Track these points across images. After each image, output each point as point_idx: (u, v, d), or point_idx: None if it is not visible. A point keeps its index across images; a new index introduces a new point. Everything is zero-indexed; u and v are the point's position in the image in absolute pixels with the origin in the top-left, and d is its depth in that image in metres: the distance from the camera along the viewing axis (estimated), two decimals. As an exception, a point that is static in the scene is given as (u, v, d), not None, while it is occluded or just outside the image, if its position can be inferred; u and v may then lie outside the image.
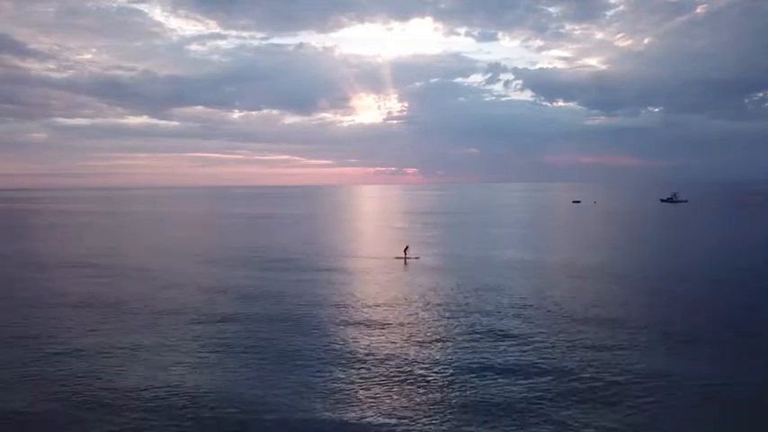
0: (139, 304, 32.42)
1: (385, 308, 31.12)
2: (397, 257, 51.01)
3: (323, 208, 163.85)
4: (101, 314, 30.33)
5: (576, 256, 50.06)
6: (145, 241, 69.03)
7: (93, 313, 30.69)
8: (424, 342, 24.53)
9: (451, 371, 20.73)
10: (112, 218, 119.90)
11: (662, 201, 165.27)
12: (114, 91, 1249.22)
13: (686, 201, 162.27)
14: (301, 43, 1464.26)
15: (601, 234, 73.34)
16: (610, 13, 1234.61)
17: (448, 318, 28.58)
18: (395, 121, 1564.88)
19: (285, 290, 36.68)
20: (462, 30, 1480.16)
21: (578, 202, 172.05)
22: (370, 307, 31.45)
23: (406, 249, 51.56)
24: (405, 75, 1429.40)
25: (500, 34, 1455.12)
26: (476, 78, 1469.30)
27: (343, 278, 41.82)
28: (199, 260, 51.47)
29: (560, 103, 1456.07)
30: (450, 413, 17.24)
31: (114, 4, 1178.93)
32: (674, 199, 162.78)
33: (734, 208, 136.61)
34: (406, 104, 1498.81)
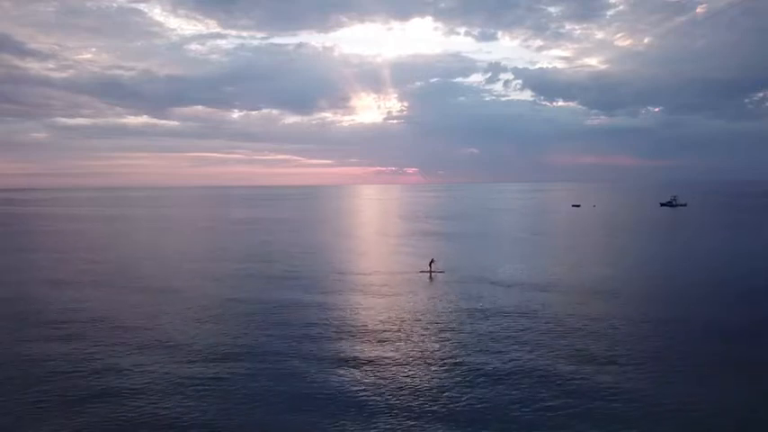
0: (124, 334, 30.39)
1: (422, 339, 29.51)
2: (421, 271, 49.59)
3: (327, 211, 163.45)
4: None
5: (580, 275, 50.05)
6: (136, 255, 66.69)
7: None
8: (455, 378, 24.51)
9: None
10: (109, 224, 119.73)
11: (661, 204, 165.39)
12: (114, 91, 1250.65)
13: (685, 204, 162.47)
14: (301, 43, 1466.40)
15: (601, 245, 73.49)
16: (610, 12, 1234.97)
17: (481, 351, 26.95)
18: (395, 121, 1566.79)
19: (306, 315, 34.44)
20: (462, 29, 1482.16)
21: (578, 206, 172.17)
22: (406, 337, 29.86)
23: (431, 263, 49.97)
24: (405, 74, 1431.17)
25: (500, 34, 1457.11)
26: (476, 78, 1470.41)
27: (370, 298, 39.51)
28: (197, 277, 49.66)
29: (560, 103, 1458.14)
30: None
31: (114, 4, 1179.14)
32: (674, 203, 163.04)
33: (734, 212, 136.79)
34: (406, 104, 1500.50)
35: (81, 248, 71.14)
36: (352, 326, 32.23)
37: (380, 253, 66.59)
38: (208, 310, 36.35)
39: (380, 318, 33.97)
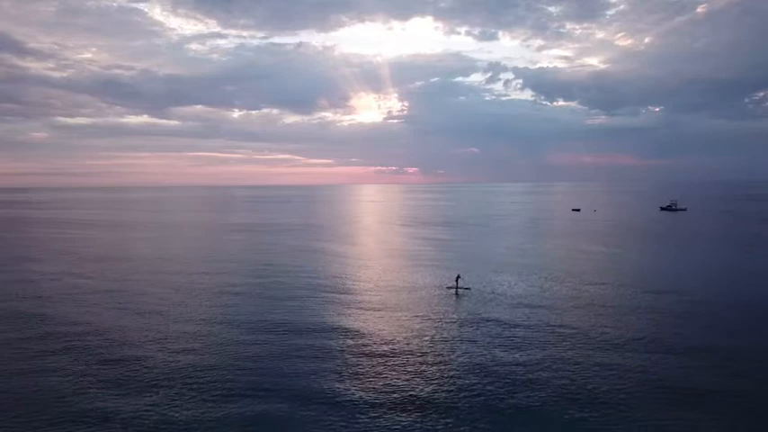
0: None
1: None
2: (447, 287, 48.39)
3: (330, 216, 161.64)
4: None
5: (584, 294, 49.74)
6: (125, 272, 62.35)
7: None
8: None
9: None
10: (102, 231, 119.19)
11: (661, 209, 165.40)
12: (114, 90, 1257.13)
13: (685, 209, 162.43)
14: (301, 42, 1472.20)
15: (605, 258, 73.19)
16: (610, 12, 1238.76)
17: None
18: (395, 121, 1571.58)
19: (319, 349, 31.63)
20: (462, 29, 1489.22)
21: (578, 210, 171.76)
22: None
23: (457, 279, 48.66)
24: (405, 74, 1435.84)
25: (500, 33, 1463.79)
26: (476, 78, 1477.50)
27: (397, 329, 35.80)
28: (190, 299, 47.31)
29: (560, 103, 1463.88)
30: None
31: (114, 4, 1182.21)
32: (674, 207, 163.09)
33: (734, 218, 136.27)
34: (406, 104, 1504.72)
35: (65, 261, 70.39)
36: (381, 373, 28.10)
37: (397, 266, 62.87)
38: (198, 352, 31.69)
39: (415, 364, 29.34)
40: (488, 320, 37.93)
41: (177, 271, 60.28)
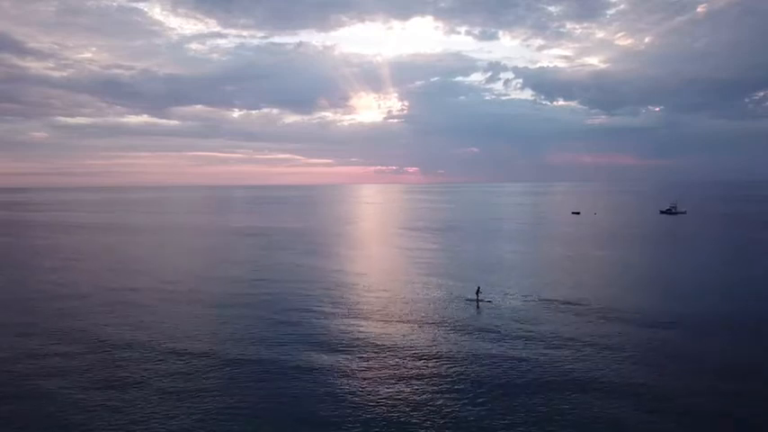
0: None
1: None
2: (468, 299, 47.49)
3: (333, 219, 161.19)
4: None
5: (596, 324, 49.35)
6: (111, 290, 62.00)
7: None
8: None
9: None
10: (95, 235, 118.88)
11: (661, 212, 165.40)
12: (114, 90, 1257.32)
13: (685, 212, 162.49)
14: (301, 42, 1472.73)
15: (605, 268, 73.17)
16: (610, 12, 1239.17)
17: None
18: (395, 120, 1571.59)
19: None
20: (463, 28, 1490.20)
21: (578, 213, 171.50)
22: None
23: (477, 291, 47.91)
24: (405, 74, 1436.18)
25: (500, 33, 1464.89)
26: (476, 77, 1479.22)
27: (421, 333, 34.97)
28: (190, 317, 46.18)
29: (560, 103, 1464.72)
30: None
31: (114, 3, 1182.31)
32: (673, 210, 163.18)
33: (734, 220, 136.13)
34: (406, 103, 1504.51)
35: (51, 271, 69.74)
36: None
37: (406, 277, 60.69)
38: (186, 397, 27.66)
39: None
40: (519, 355, 33.27)
41: (169, 282, 59.10)
